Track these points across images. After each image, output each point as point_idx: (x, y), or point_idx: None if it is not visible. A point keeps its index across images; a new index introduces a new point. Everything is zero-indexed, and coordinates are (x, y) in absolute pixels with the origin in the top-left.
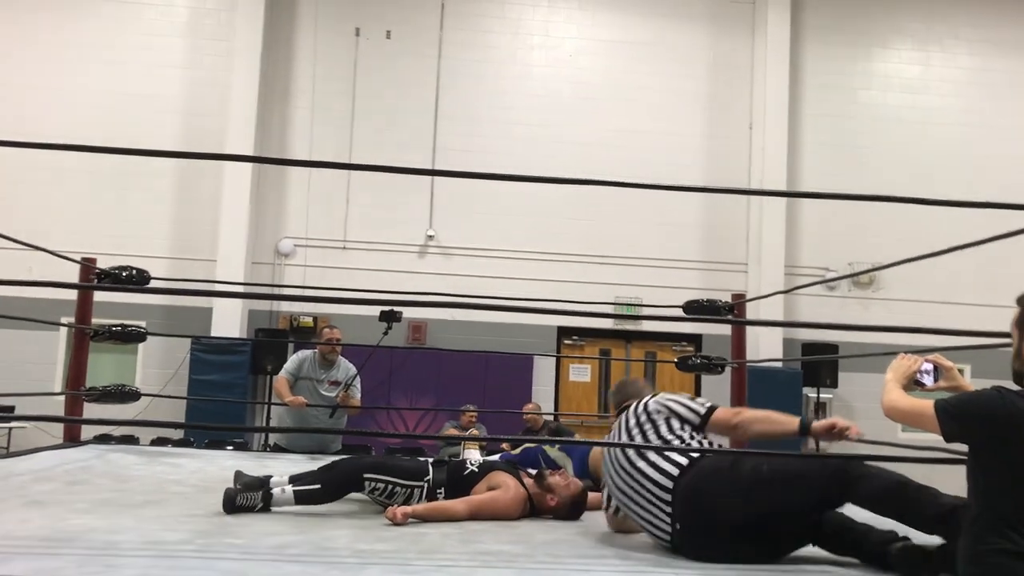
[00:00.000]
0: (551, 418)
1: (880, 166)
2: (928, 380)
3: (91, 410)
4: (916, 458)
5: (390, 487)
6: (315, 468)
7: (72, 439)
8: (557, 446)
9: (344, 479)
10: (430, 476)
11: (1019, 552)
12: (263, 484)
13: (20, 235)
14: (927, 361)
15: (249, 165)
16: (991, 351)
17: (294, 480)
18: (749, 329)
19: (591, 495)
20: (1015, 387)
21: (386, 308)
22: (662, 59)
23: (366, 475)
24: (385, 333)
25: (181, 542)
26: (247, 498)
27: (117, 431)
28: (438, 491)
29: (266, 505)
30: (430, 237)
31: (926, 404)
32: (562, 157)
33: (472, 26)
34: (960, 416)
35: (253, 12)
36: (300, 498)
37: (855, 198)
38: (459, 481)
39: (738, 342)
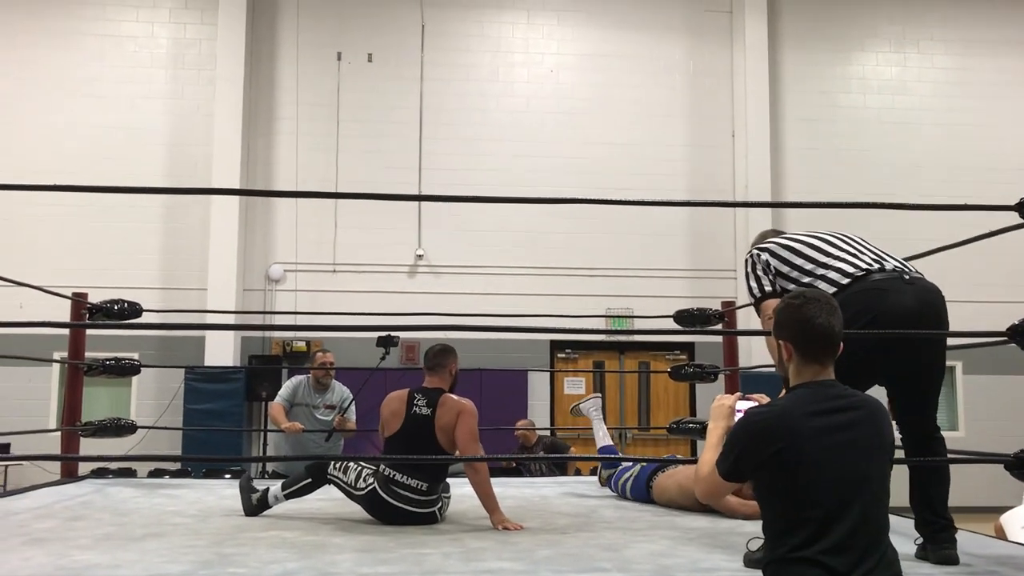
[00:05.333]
0: (547, 433)
1: (862, 167)
2: None
3: (87, 444)
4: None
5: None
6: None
7: (69, 474)
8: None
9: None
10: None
11: (792, 557)
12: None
13: (9, 270)
14: (746, 399)
15: None
16: (980, 349)
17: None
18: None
19: None
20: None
21: (383, 334)
22: (643, 71)
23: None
24: (383, 358)
25: (184, 574)
26: (251, 498)
27: (114, 464)
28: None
29: (263, 498)
30: (419, 256)
31: (712, 463)
32: (547, 171)
33: (453, 45)
34: (728, 454)
35: (234, 41)
36: (285, 486)
37: (832, 206)
38: None
39: (730, 349)
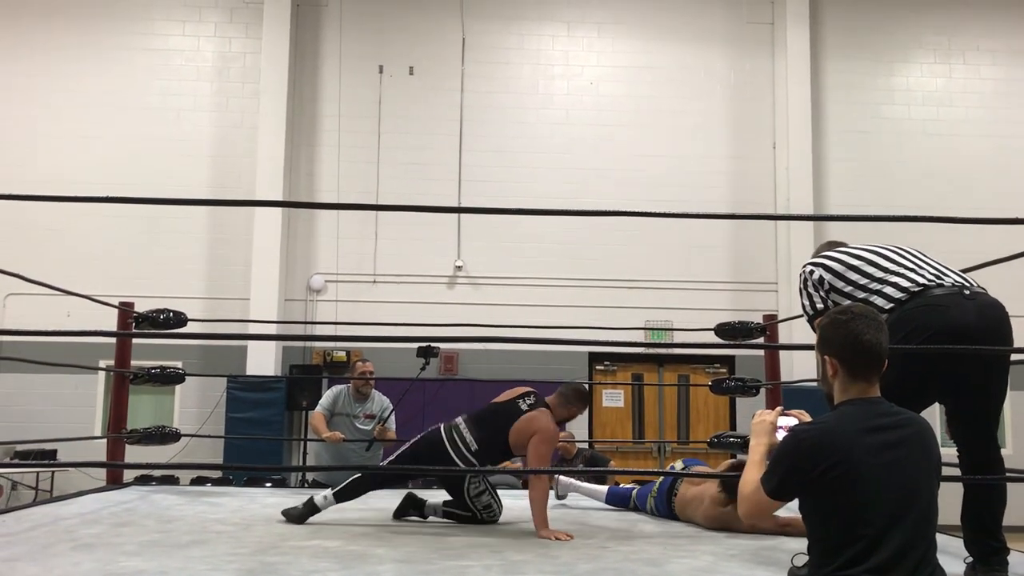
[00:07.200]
0: (585, 446)
1: (907, 180)
2: None
3: (132, 451)
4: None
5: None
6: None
7: (114, 481)
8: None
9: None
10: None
11: (839, 575)
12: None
13: (56, 279)
14: (786, 415)
15: None
16: None
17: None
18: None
19: None
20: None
21: (423, 344)
22: (683, 82)
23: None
24: (423, 368)
25: None
26: (297, 511)
27: (158, 471)
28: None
29: (310, 506)
30: (458, 268)
31: (756, 481)
32: (586, 183)
33: (493, 58)
34: (775, 471)
35: (278, 54)
36: (337, 491)
37: (876, 219)
38: None
39: (772, 363)
